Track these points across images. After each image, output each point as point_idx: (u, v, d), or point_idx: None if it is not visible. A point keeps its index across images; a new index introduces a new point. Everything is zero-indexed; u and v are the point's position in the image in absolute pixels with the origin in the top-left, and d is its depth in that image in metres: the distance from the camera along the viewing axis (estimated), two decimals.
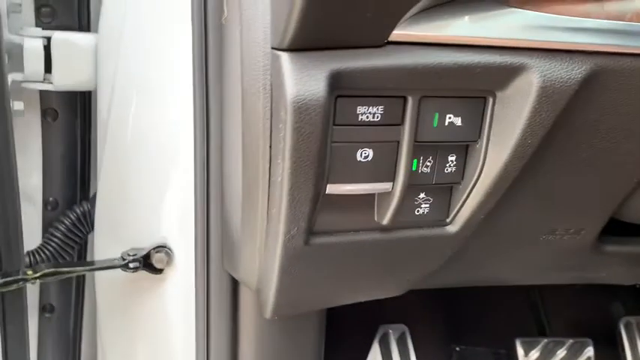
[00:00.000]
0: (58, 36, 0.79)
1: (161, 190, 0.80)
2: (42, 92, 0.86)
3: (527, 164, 0.56)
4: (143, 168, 0.80)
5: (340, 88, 0.48)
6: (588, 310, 1.48)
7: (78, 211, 0.91)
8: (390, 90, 0.50)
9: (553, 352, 1.33)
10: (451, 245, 0.63)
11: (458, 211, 0.60)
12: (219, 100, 0.68)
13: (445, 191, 0.59)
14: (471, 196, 0.58)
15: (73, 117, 0.89)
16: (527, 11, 0.49)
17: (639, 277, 1.00)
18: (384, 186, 0.54)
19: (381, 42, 0.48)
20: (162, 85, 0.75)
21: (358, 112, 0.50)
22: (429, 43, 0.48)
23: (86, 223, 0.92)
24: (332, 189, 0.53)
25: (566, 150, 0.58)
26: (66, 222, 0.91)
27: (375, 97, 0.50)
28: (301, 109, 0.45)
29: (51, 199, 0.92)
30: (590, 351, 1.34)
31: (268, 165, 0.53)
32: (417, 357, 1.36)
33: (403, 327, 1.38)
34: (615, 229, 0.82)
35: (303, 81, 0.45)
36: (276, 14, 0.46)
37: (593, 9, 0.51)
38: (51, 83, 0.80)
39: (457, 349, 1.47)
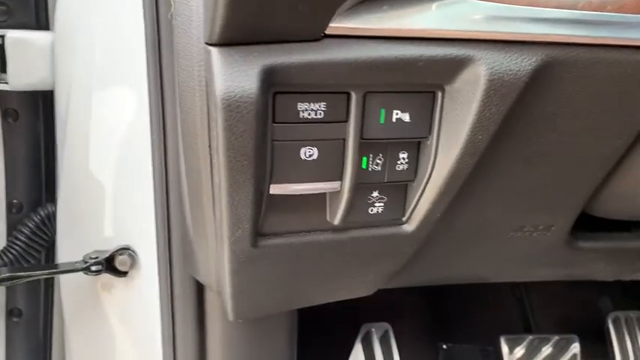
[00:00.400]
0: (11, 34, 0.77)
1: (122, 192, 0.78)
2: (0, 92, 0.84)
3: (485, 160, 0.54)
4: (102, 169, 0.78)
5: (277, 84, 0.46)
6: (576, 306, 1.47)
7: (42, 213, 0.90)
8: (331, 86, 0.48)
9: (538, 349, 1.31)
10: (409, 244, 0.61)
11: (413, 210, 0.57)
12: (174, 98, 0.66)
13: (399, 189, 0.57)
14: (425, 194, 0.55)
15: (35, 117, 0.87)
16: (472, 0, 0.46)
17: (620, 273, 0.98)
18: (332, 185, 0.52)
19: (317, 36, 0.45)
20: (117, 84, 0.73)
21: (299, 109, 0.48)
22: (368, 37, 0.46)
23: (51, 225, 0.90)
24: (276, 189, 0.51)
25: (524, 145, 0.55)
26: (30, 225, 0.89)
27: (316, 93, 0.48)
28: (232, 107, 0.43)
29: (15, 201, 0.90)
30: (576, 347, 1.32)
31: (209, 165, 0.51)
32: (401, 355, 1.34)
33: (386, 325, 1.36)
34: (601, 225, 0.80)
35: (234, 77, 0.43)
36: (207, 7, 0.44)
37: None
38: (6, 83, 0.78)
39: (444, 346, 1.45)
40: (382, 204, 0.57)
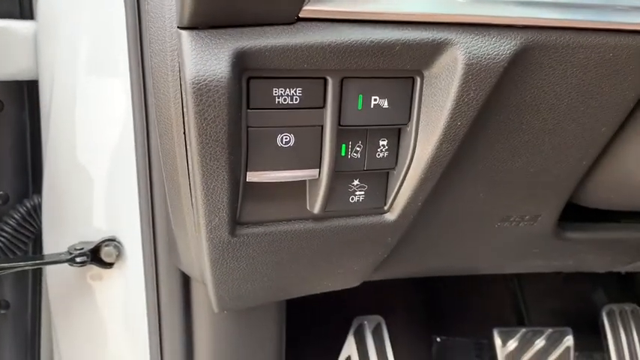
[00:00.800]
0: None
1: (107, 183, 0.78)
2: None
3: (466, 148, 0.53)
4: (87, 160, 0.78)
5: (250, 69, 0.45)
6: (570, 299, 1.46)
7: (28, 204, 0.89)
8: (306, 71, 0.47)
9: (531, 342, 1.30)
10: (391, 234, 0.60)
11: (395, 198, 0.57)
12: None
13: (380, 177, 0.56)
14: (406, 181, 0.54)
15: (20, 108, 0.87)
16: None
17: (612, 265, 0.97)
18: (310, 173, 0.51)
19: (291, 19, 0.44)
20: (99, 73, 0.72)
21: (275, 95, 0.47)
22: (344, 20, 0.45)
23: (38, 216, 0.90)
24: (252, 177, 0.50)
25: (506, 132, 0.55)
26: (16, 216, 0.88)
27: (292, 78, 0.47)
28: (202, 91, 0.42)
29: (0, 192, 0.89)
30: (569, 340, 1.32)
31: (184, 153, 0.50)
32: (394, 348, 1.34)
33: (379, 318, 1.36)
34: (593, 216, 0.79)
35: (204, 60, 0.42)
36: None
37: None
38: None
39: (438, 339, 1.45)
40: (363, 192, 0.56)
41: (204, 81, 0.42)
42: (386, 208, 0.58)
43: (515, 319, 1.40)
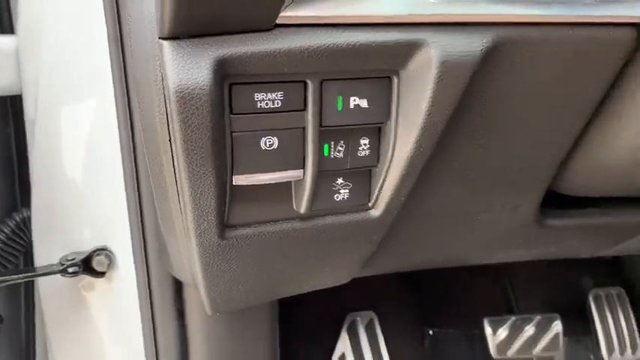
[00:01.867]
0: None
1: (95, 192, 0.79)
2: None
3: (445, 143, 0.55)
4: (74, 171, 0.78)
5: (231, 75, 0.46)
6: (558, 286, 1.49)
7: (18, 218, 0.89)
8: (286, 75, 0.48)
9: (521, 329, 1.33)
10: (377, 230, 0.62)
11: (378, 195, 0.58)
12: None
13: (364, 175, 0.58)
14: (388, 178, 0.56)
15: (5, 121, 0.87)
16: None
17: (596, 250, 1.00)
18: (295, 173, 0.53)
19: (269, 25, 0.46)
20: (82, 85, 0.73)
21: (256, 100, 0.48)
22: (321, 24, 0.47)
23: (27, 229, 0.90)
24: (239, 180, 0.51)
25: (483, 127, 0.56)
26: (5, 230, 0.89)
27: (273, 82, 0.49)
28: (185, 99, 0.44)
29: None
30: (558, 325, 1.34)
31: (171, 160, 0.52)
32: (387, 343, 1.36)
33: (371, 314, 1.37)
34: (575, 203, 0.81)
35: (186, 69, 0.43)
36: (157, 1, 0.45)
37: None
38: None
39: (430, 332, 1.47)
40: (347, 190, 0.57)
41: (187, 89, 0.43)
42: (370, 204, 0.59)
43: (504, 308, 1.43)
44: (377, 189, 0.58)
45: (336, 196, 0.57)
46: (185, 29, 0.44)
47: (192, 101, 0.44)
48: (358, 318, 1.35)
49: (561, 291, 1.46)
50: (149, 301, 0.80)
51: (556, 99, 0.55)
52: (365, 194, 0.59)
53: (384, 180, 0.57)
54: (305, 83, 0.50)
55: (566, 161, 0.66)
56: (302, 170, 0.53)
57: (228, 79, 0.47)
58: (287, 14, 0.45)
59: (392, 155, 0.54)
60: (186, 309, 0.83)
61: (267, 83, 0.48)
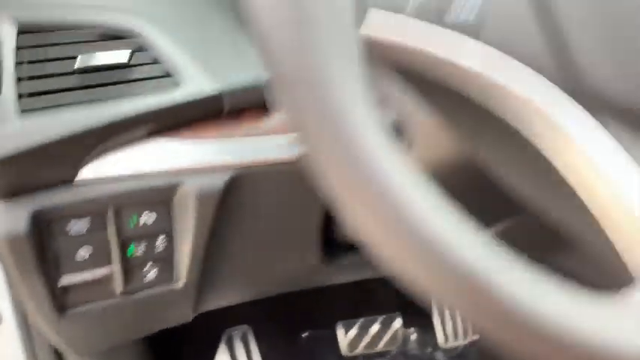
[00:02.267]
0: None
1: None
2: None
3: (219, 241, 0.79)
4: None
5: (45, 220, 0.68)
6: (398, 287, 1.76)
7: None
8: (91, 209, 0.70)
9: (367, 328, 1.61)
10: (186, 296, 0.85)
11: (178, 271, 0.82)
12: None
13: (167, 259, 0.81)
14: (181, 262, 0.80)
15: None
16: (173, 141, 0.71)
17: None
18: (106, 270, 0.75)
19: (71, 182, 0.68)
20: None
21: (68, 229, 0.70)
22: (107, 177, 0.69)
23: None
24: (64, 281, 0.73)
25: (242, 233, 0.81)
26: None
27: (82, 216, 0.71)
28: (11, 248, 0.65)
29: None
30: (398, 322, 1.63)
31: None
32: (262, 351, 1.60)
33: (246, 327, 1.61)
34: None
35: (7, 223, 0.65)
36: None
37: (233, 130, 0.73)
38: None
39: (303, 335, 1.72)
40: (155, 270, 0.80)
41: (11, 239, 0.65)
42: (174, 280, 0.83)
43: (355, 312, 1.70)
44: (177, 267, 0.81)
45: (145, 277, 0.80)
46: (7, 193, 0.65)
47: (14, 250, 0.65)
48: (234, 332, 1.58)
49: (402, 291, 1.74)
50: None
51: (292, 211, 0.80)
52: (169, 272, 0.81)
53: (179, 262, 0.80)
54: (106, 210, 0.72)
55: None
56: (110, 266, 0.75)
57: (44, 223, 0.68)
58: (82, 176, 0.68)
59: (180, 246, 0.78)
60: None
61: (78, 217, 0.70)
